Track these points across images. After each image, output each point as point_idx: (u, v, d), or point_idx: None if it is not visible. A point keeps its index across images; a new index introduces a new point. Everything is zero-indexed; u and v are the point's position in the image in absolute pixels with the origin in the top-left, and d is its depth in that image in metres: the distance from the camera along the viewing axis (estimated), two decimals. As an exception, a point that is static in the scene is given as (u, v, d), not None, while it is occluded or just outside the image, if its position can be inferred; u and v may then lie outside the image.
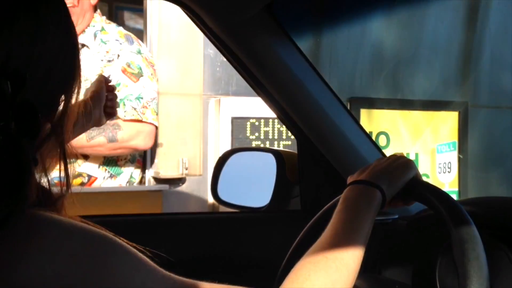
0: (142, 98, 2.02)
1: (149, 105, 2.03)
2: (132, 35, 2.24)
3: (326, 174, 1.31)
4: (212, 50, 3.72)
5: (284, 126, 4.28)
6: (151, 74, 2.14)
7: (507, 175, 5.20)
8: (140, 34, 3.54)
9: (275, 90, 1.23)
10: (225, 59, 1.36)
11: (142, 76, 2.03)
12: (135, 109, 1.99)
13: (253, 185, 1.46)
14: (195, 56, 3.75)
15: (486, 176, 5.17)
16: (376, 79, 4.88)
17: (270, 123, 4.28)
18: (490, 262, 1.03)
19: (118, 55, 2.06)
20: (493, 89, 5.21)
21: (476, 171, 5.14)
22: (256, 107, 4.17)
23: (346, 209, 0.84)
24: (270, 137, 4.28)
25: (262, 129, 4.24)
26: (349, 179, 0.94)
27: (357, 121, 1.31)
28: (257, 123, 4.22)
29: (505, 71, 5.21)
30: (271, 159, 1.38)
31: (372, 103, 4.84)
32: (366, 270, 1.20)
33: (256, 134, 4.22)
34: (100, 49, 2.06)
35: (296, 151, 1.40)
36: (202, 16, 1.15)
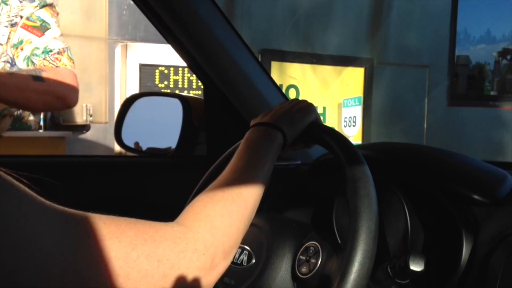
0: (51, 50, 1.83)
1: (63, 53, 1.84)
2: None
3: (232, 120, 1.32)
4: (118, -9, 3.57)
5: (194, 76, 4.26)
6: (58, 23, 1.92)
7: (407, 130, 5.51)
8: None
9: (184, 37, 1.21)
10: (132, 2, 1.31)
11: (48, 28, 1.84)
12: (45, 59, 1.76)
13: (159, 130, 1.46)
14: (99, -3, 3.58)
15: (388, 131, 5.44)
16: (287, 32, 4.93)
17: (180, 72, 4.25)
18: (383, 203, 1.12)
19: (21, 16, 1.86)
20: (398, 47, 5.44)
21: (379, 126, 5.40)
22: (166, 54, 4.13)
23: (247, 148, 0.86)
24: (180, 86, 4.26)
25: (172, 77, 4.19)
26: (252, 122, 0.95)
27: (264, 68, 1.33)
28: (166, 71, 4.17)
29: (410, 30, 5.44)
30: (177, 105, 1.38)
31: (283, 56, 4.90)
32: (268, 211, 1.25)
33: (165, 82, 4.18)
34: (1, 12, 1.86)
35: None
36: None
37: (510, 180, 1.03)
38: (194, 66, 1.29)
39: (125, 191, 1.32)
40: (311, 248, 0.80)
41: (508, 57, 6.30)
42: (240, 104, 1.31)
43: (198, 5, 1.18)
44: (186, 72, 4.22)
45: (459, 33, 5.90)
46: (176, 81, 4.22)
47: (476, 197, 0.97)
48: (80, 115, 3.55)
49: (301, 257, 0.80)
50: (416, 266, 0.74)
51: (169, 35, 1.23)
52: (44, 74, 1.63)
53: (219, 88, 1.30)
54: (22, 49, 1.77)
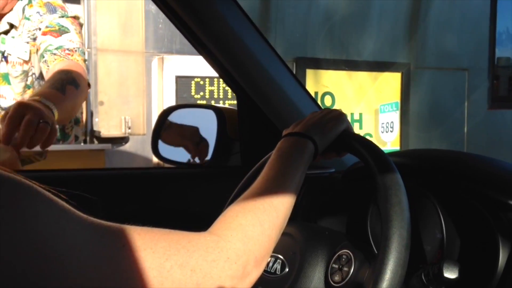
0: (62, 46, 1.76)
1: (75, 51, 1.77)
2: (54, 2, 1.95)
3: (265, 130, 1.34)
4: (153, 6, 3.65)
5: None
6: (79, 32, 1.87)
7: (447, 134, 5.42)
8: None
9: (215, 48, 1.23)
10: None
11: (66, 32, 1.85)
12: (55, 54, 1.75)
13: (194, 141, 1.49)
14: (136, 12, 3.67)
15: (427, 136, 5.36)
16: (322, 39, 4.93)
17: (216, 82, 4.30)
18: (419, 210, 1.11)
19: (39, 28, 1.85)
20: (435, 51, 5.36)
21: (417, 131, 5.32)
22: (201, 66, 4.23)
23: (279, 158, 0.87)
24: (215, 96, 4.31)
25: (207, 88, 4.25)
26: (284, 132, 0.97)
27: (296, 77, 1.34)
28: (202, 82, 4.22)
29: (448, 33, 5.36)
30: (212, 116, 1.40)
31: (318, 64, 4.90)
32: (301, 220, 1.26)
33: (201, 93, 4.24)
34: (23, 28, 1.89)
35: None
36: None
37: None
38: (226, 76, 1.32)
39: (162, 202, 1.35)
40: (344, 256, 0.81)
41: (552, 56, 6.14)
42: (273, 113, 1.33)
43: (228, 16, 1.20)
44: (221, 82, 4.27)
45: (499, 34, 5.78)
46: (211, 92, 4.28)
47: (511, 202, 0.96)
48: (119, 127, 3.64)
49: (333, 265, 0.81)
50: (450, 274, 0.74)
51: (201, 47, 1.26)
52: (75, 74, 1.60)
53: (252, 98, 1.32)
54: (39, 49, 1.81)
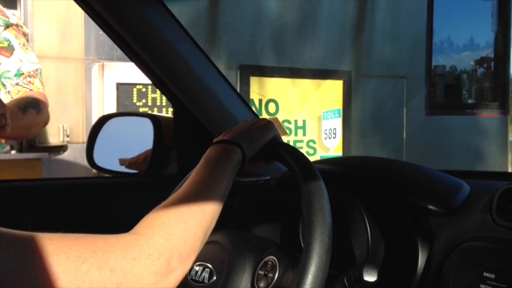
0: (23, 73, 1.83)
1: (35, 76, 1.81)
2: None
3: (202, 138, 1.35)
4: (94, 12, 3.60)
5: None
6: (23, 45, 1.87)
7: (387, 140, 5.58)
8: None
9: (148, 56, 1.24)
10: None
11: (14, 49, 1.84)
12: (18, 84, 1.77)
13: (131, 150, 1.48)
14: (75, 18, 3.61)
15: (368, 141, 5.50)
16: (266, 47, 4.99)
17: (158, 90, 4.26)
18: (347, 216, 1.16)
19: None
20: (375, 59, 5.52)
21: (359, 137, 5.46)
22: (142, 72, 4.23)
23: (206, 164, 0.87)
24: (158, 103, 4.28)
25: (150, 95, 4.22)
26: (214, 141, 0.98)
27: (231, 85, 1.37)
28: (144, 89, 4.20)
29: (387, 42, 5.53)
30: (148, 124, 1.41)
31: (262, 71, 4.95)
32: (230, 228, 1.28)
33: (144, 100, 4.21)
34: None
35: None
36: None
37: (465, 189, 1.07)
38: (160, 84, 1.32)
39: (98, 213, 1.34)
40: (269, 262, 0.83)
41: (485, 65, 6.42)
42: (208, 121, 1.34)
43: (158, 24, 1.20)
44: None
45: (436, 43, 6.02)
46: (154, 99, 4.25)
47: (431, 207, 1.02)
48: (56, 135, 3.56)
49: (259, 272, 0.83)
50: (370, 277, 0.76)
51: (133, 54, 1.25)
52: (40, 101, 1.68)
53: (187, 106, 1.32)
54: None
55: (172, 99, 1.34)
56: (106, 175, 1.45)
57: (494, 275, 0.86)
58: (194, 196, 0.80)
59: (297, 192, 0.98)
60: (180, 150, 1.42)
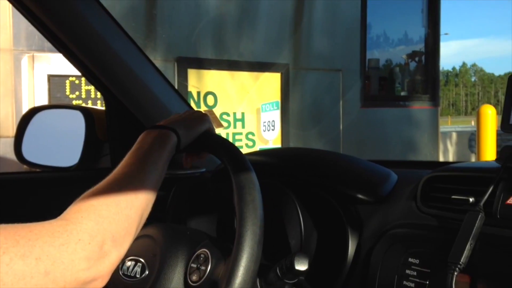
0: None
1: None
2: None
3: (135, 130, 1.32)
4: (23, 1, 3.46)
5: None
6: None
7: (324, 132, 5.69)
8: None
9: (76, 48, 1.20)
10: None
11: None
12: None
13: (61, 144, 1.44)
14: (2, 7, 3.46)
15: (306, 133, 5.60)
16: (204, 39, 4.97)
17: (93, 82, 4.18)
18: (281, 206, 1.18)
19: None
20: (312, 52, 5.61)
21: (297, 129, 5.54)
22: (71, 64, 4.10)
23: (138, 149, 0.84)
24: (93, 96, 4.17)
25: (83, 87, 4.10)
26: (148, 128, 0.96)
27: (165, 77, 1.35)
28: (77, 81, 4.08)
29: (323, 36, 5.63)
30: (79, 117, 1.37)
31: (200, 63, 4.93)
32: (165, 221, 1.28)
33: (77, 93, 4.09)
34: None
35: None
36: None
37: (393, 178, 1.12)
38: (89, 76, 1.29)
39: (26, 209, 1.30)
40: (202, 255, 0.83)
41: (417, 59, 6.66)
42: (141, 113, 1.32)
43: (86, 14, 1.17)
44: None
45: (371, 37, 6.19)
46: (88, 91, 4.14)
47: (360, 196, 1.05)
48: (-16, 129, 3.42)
49: (192, 265, 0.83)
50: (301, 266, 0.77)
51: (60, 45, 1.22)
52: None
53: (117, 97, 1.30)
54: None
55: (103, 91, 1.31)
56: (36, 169, 1.40)
57: (418, 260, 0.90)
58: (126, 179, 0.77)
59: (231, 184, 0.98)
60: (113, 143, 1.39)
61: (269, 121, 5.36)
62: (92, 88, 4.10)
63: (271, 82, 5.40)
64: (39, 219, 1.30)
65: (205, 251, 0.84)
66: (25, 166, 1.47)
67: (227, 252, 0.84)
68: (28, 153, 1.36)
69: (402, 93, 6.60)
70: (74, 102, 4.04)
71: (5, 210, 1.25)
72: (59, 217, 0.67)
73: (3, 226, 0.60)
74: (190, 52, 4.86)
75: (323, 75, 5.69)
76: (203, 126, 0.99)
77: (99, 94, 4.12)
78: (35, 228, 0.62)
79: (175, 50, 4.75)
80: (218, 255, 0.83)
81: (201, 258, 0.83)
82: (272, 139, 5.38)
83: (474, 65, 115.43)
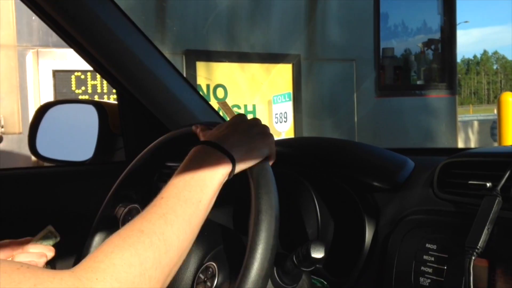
0: None
1: None
2: None
3: (148, 123, 1.38)
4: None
5: None
6: None
7: (339, 123, 5.70)
8: None
9: (87, 42, 1.24)
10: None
11: None
12: None
13: (75, 138, 1.50)
14: (5, 3, 3.51)
15: (320, 125, 5.61)
16: (212, 32, 4.99)
17: (98, 77, 4.19)
18: (298, 196, 1.22)
19: None
20: (324, 42, 5.61)
21: (310, 120, 5.56)
22: (82, 59, 4.13)
23: (185, 174, 0.75)
24: (99, 91, 4.23)
25: (89, 82, 4.17)
26: (202, 136, 0.87)
27: (178, 71, 1.39)
28: (83, 76, 4.15)
29: (335, 25, 5.64)
30: (93, 111, 1.42)
31: (209, 56, 4.96)
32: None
33: (83, 88, 4.16)
34: None
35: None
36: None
37: (410, 165, 1.15)
38: (101, 71, 1.32)
39: (44, 202, 1.34)
40: (210, 269, 0.85)
41: (433, 47, 6.64)
42: (153, 106, 1.36)
43: (98, 10, 1.21)
44: None
45: (385, 26, 6.19)
46: (94, 86, 4.20)
47: (376, 184, 1.09)
48: (-10, 126, 3.49)
49: (200, 275, 0.85)
50: (317, 253, 0.79)
51: (72, 41, 1.25)
52: None
53: (130, 91, 1.34)
54: None
55: (116, 85, 1.35)
56: (49, 164, 1.46)
57: (436, 245, 0.93)
58: (162, 224, 0.69)
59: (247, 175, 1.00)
60: (127, 137, 1.44)
61: (281, 113, 5.40)
62: (98, 82, 4.16)
63: (282, 73, 5.42)
64: (56, 213, 1.34)
65: (213, 265, 0.86)
66: (35, 160, 1.51)
67: (234, 269, 0.84)
68: (43, 148, 1.40)
69: (418, 82, 6.60)
70: (80, 97, 4.10)
71: (22, 205, 1.30)
72: (74, 270, 0.61)
73: (8, 270, 0.55)
74: (199, 44, 4.89)
75: (336, 65, 5.71)
76: (263, 153, 0.86)
77: (105, 89, 4.18)
78: (43, 283, 0.56)
79: (183, 43, 4.78)
80: (225, 272, 0.85)
81: (209, 272, 0.85)
82: (284, 131, 5.42)
83: (495, 52, 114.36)
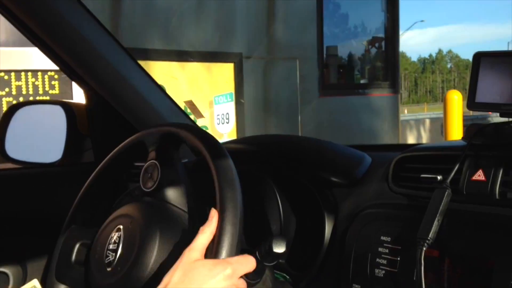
0: None
1: None
2: None
3: (116, 124, 1.43)
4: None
5: (39, 80, 4.20)
6: None
7: (283, 122, 5.85)
8: None
9: (54, 43, 1.28)
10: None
11: None
12: None
13: (44, 139, 1.54)
14: None
15: (264, 125, 5.71)
16: (149, 29, 4.98)
17: (23, 77, 4.12)
18: (261, 193, 1.29)
19: None
20: (266, 41, 5.72)
21: (253, 121, 5.65)
22: (5, 58, 3.93)
23: None
24: (24, 92, 4.16)
25: (14, 83, 4.13)
26: None
27: (145, 71, 1.45)
28: (6, 77, 4.09)
29: (277, 23, 5.73)
30: (60, 112, 1.46)
31: (146, 54, 4.92)
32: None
33: (7, 89, 4.10)
34: None
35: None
36: None
37: (367, 161, 1.25)
38: (68, 71, 1.37)
39: (13, 204, 1.39)
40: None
41: (377, 45, 6.84)
42: (121, 106, 1.42)
43: (62, 8, 1.26)
44: (30, 76, 4.15)
45: (330, 24, 6.31)
46: (19, 87, 4.14)
47: (335, 179, 1.18)
48: None
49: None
50: (279, 248, 0.85)
51: (35, 39, 1.30)
52: None
53: (97, 91, 1.39)
54: None
55: (83, 85, 1.40)
56: (18, 166, 1.51)
57: (390, 238, 1.01)
58: None
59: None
60: (95, 137, 1.50)
61: (223, 114, 5.43)
62: (23, 83, 4.08)
63: (223, 72, 5.46)
64: (25, 214, 1.36)
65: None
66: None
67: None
68: (12, 151, 1.45)
69: (362, 81, 6.83)
70: (4, 100, 4.04)
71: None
72: None
73: None
74: (135, 42, 4.84)
75: (278, 64, 5.80)
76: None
77: (31, 90, 4.10)
78: None
79: (119, 40, 4.74)
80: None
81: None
82: (226, 132, 5.46)
83: (449, 51, 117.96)
